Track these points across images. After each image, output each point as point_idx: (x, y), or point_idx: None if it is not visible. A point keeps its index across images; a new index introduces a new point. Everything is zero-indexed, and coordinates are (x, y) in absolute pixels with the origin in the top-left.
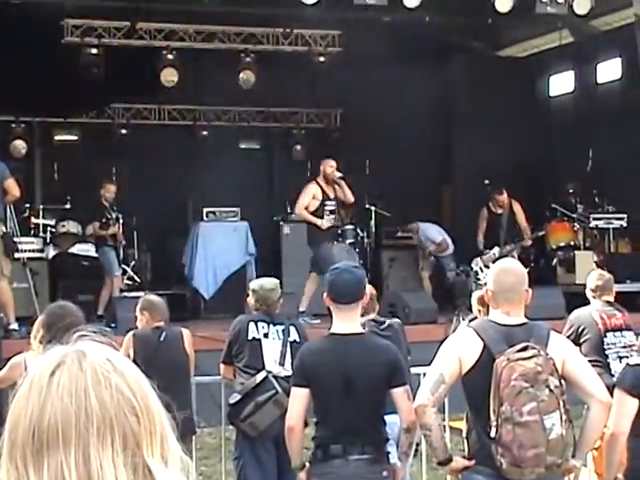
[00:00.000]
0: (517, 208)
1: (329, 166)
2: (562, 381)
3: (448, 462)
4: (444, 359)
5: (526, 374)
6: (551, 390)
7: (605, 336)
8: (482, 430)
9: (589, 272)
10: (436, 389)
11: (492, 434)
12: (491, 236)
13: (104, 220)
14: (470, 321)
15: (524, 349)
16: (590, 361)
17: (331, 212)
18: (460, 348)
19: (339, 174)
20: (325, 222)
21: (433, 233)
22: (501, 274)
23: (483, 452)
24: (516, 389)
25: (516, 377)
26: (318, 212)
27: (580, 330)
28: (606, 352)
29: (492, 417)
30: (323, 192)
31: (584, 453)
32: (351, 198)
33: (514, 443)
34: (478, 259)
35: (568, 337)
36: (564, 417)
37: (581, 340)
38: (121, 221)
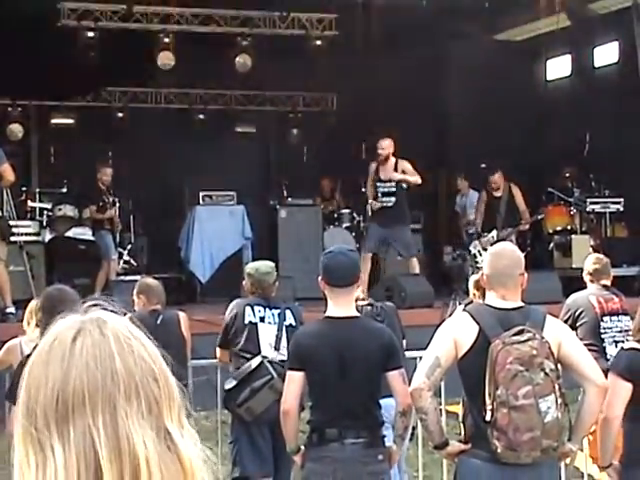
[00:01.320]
0: (516, 191)
1: (380, 147)
2: (558, 365)
3: (444, 446)
4: (440, 343)
5: (521, 358)
6: (546, 374)
7: (602, 320)
8: (478, 414)
9: (586, 256)
10: (432, 373)
11: (488, 418)
12: (489, 219)
13: (101, 204)
14: (466, 305)
15: (520, 332)
16: (586, 345)
17: (383, 194)
18: (456, 332)
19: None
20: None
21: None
22: (495, 258)
23: (479, 436)
24: (511, 373)
25: (511, 361)
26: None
27: (577, 314)
28: (602, 336)
29: (488, 401)
30: (376, 172)
31: (580, 437)
32: (413, 180)
33: (510, 427)
34: (477, 242)
35: (565, 321)
36: (559, 400)
37: (577, 324)
38: (117, 205)
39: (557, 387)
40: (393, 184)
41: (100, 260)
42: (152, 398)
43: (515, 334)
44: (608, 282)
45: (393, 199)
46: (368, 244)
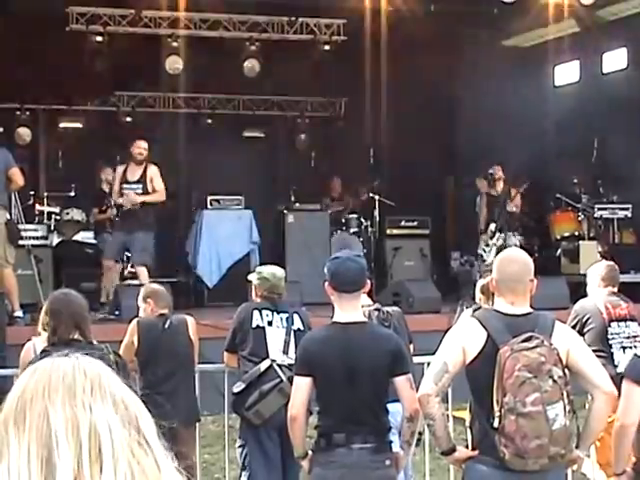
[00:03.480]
0: (514, 193)
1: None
2: (566, 371)
3: (451, 452)
4: (448, 348)
5: (529, 364)
6: (555, 380)
7: (609, 326)
8: (485, 420)
9: (594, 262)
10: (440, 378)
11: (495, 424)
12: (489, 216)
13: (103, 207)
14: (474, 311)
15: (528, 339)
16: (593, 351)
17: None
18: (464, 338)
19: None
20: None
21: None
22: (505, 263)
23: (486, 442)
24: (519, 379)
25: (519, 367)
26: None
27: (585, 319)
28: (610, 342)
29: (495, 407)
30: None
31: (588, 444)
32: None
33: (517, 434)
34: (481, 241)
35: (572, 327)
36: (567, 407)
37: (585, 330)
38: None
39: (565, 394)
40: (140, 186)
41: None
42: (120, 400)
43: (523, 340)
44: (616, 288)
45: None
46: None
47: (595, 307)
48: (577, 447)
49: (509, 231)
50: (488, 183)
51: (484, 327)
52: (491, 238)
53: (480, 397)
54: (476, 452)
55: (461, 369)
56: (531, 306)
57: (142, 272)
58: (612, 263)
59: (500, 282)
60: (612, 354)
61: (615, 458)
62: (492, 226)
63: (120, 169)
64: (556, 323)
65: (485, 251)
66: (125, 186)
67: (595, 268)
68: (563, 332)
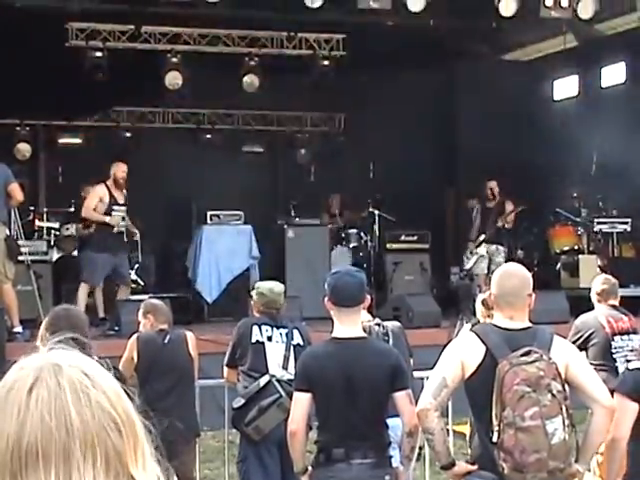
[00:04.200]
0: (509, 206)
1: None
2: (565, 386)
3: (451, 466)
4: (447, 363)
5: (528, 379)
6: (553, 395)
7: (613, 340)
8: (484, 434)
9: (594, 276)
10: (439, 393)
11: (494, 439)
12: (480, 227)
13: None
14: (473, 325)
15: (527, 354)
16: (598, 365)
17: (123, 219)
18: (463, 352)
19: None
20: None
21: None
22: (504, 277)
23: (485, 456)
24: (518, 394)
25: (518, 382)
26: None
27: (587, 334)
28: (614, 356)
29: (494, 422)
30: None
31: (588, 458)
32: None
33: (516, 448)
34: (467, 248)
35: (574, 342)
36: (567, 422)
37: (589, 344)
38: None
39: (564, 408)
40: (125, 209)
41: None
42: (112, 451)
43: (522, 355)
44: (616, 302)
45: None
46: (97, 275)
47: (597, 321)
48: (577, 461)
49: (499, 245)
50: (485, 197)
51: (483, 342)
52: (477, 247)
53: (479, 411)
54: (475, 467)
55: (460, 384)
56: (530, 320)
57: (128, 291)
58: (609, 277)
59: (499, 297)
60: (616, 368)
61: (607, 471)
62: (481, 237)
63: (102, 189)
64: (555, 337)
65: (468, 257)
66: (115, 208)
67: (594, 283)
68: (562, 346)
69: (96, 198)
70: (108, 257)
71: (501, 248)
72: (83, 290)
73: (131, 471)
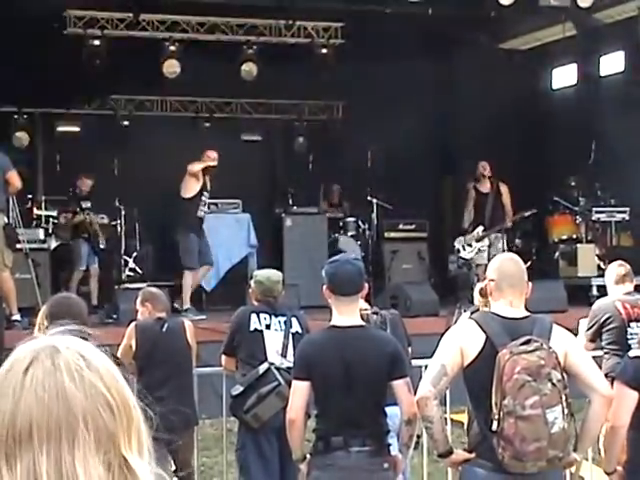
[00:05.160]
0: (504, 189)
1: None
2: (564, 374)
3: (449, 454)
4: (446, 351)
5: (529, 367)
6: (553, 384)
7: (629, 326)
8: (483, 423)
9: (608, 263)
10: (438, 381)
11: (494, 427)
12: (476, 216)
13: (71, 211)
14: (472, 313)
15: (527, 342)
16: (612, 350)
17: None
18: (462, 340)
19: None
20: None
21: None
22: (504, 262)
23: (484, 445)
24: (519, 382)
25: (519, 370)
26: None
27: (603, 320)
28: (629, 342)
29: (494, 410)
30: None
31: (586, 446)
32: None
33: (516, 436)
34: (461, 237)
35: (590, 327)
36: (566, 411)
37: (604, 329)
38: (123, 212)
39: (564, 397)
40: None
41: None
42: (104, 431)
43: (523, 344)
44: (631, 288)
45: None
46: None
47: (613, 307)
48: (575, 450)
49: (497, 231)
50: (476, 180)
51: (482, 330)
52: (477, 241)
53: (478, 400)
54: (473, 455)
55: (459, 372)
56: (527, 309)
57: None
58: (624, 262)
59: (501, 280)
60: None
61: (606, 458)
62: (480, 229)
63: (200, 168)
64: (554, 326)
65: (464, 248)
66: (205, 194)
67: (609, 269)
68: (561, 335)
69: (199, 169)
70: (198, 240)
71: (499, 235)
72: (189, 278)
73: (123, 453)
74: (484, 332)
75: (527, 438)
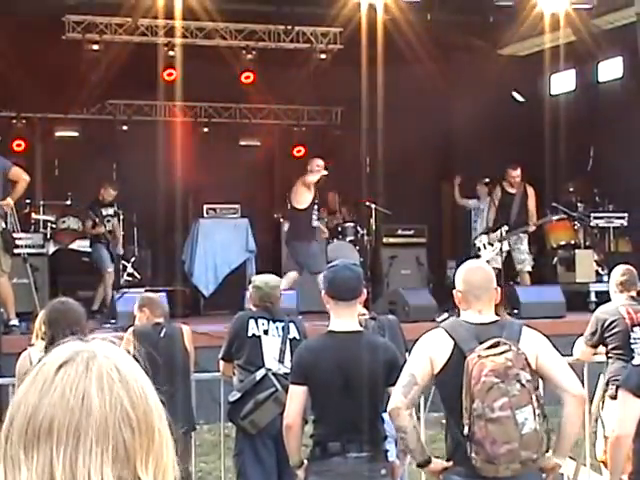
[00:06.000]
0: (530, 192)
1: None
2: (535, 376)
3: (427, 464)
4: (415, 360)
5: (496, 369)
6: (522, 384)
7: (632, 331)
8: (457, 429)
9: (613, 268)
10: (409, 391)
11: (465, 432)
12: (501, 216)
13: (93, 221)
14: (442, 321)
15: (495, 345)
16: (616, 354)
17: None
18: (431, 348)
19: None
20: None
21: None
22: (469, 273)
23: (459, 452)
24: (487, 385)
25: (487, 373)
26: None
27: (606, 324)
28: (632, 347)
29: (465, 415)
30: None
31: (565, 450)
32: None
33: (487, 439)
34: (484, 236)
35: (593, 332)
36: (537, 411)
37: (607, 334)
38: (121, 217)
39: (534, 398)
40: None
41: (102, 273)
42: (122, 446)
43: (490, 347)
44: (634, 293)
45: None
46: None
47: (617, 312)
48: (554, 454)
49: (521, 233)
50: (508, 183)
51: (451, 336)
52: (499, 241)
53: (450, 406)
54: (450, 463)
55: (430, 380)
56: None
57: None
58: (630, 267)
59: (467, 292)
60: (633, 359)
61: (611, 468)
62: (504, 228)
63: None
64: (524, 328)
65: (485, 247)
66: (316, 204)
67: (613, 273)
68: (531, 337)
69: (315, 180)
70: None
71: (522, 236)
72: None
73: (138, 473)
74: (452, 338)
75: (497, 440)
